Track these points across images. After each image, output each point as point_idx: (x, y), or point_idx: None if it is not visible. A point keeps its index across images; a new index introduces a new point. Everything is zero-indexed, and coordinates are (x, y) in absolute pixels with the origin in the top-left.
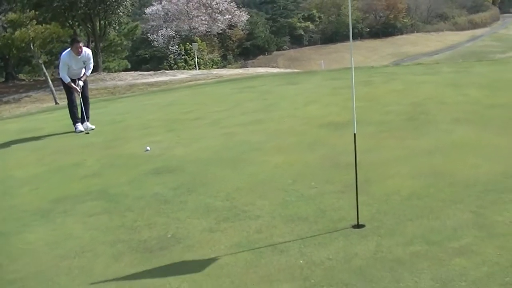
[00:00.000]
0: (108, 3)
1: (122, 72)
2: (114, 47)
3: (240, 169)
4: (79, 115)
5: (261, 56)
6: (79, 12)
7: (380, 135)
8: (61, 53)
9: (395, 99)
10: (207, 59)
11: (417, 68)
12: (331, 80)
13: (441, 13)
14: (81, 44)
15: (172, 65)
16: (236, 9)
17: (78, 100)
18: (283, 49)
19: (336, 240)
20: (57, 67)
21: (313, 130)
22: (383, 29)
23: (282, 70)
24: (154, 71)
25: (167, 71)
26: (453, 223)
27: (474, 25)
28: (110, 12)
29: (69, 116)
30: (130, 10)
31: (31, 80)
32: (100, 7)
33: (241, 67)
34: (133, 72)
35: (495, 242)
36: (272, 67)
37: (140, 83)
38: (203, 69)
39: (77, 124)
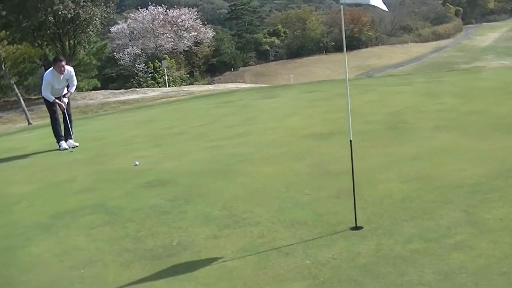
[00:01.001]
0: (77, 22)
1: (93, 91)
2: (83, 66)
3: (233, 180)
4: (63, 133)
5: (228, 72)
6: (48, 32)
7: (364, 143)
8: (44, 73)
9: (373, 109)
10: (176, 76)
11: (390, 79)
12: (307, 93)
13: (405, 25)
14: (63, 63)
15: (141, 83)
16: (201, 26)
17: (61, 118)
18: (249, 65)
19: (337, 241)
20: (26, 87)
21: (298, 141)
22: (348, 43)
23: (252, 85)
24: (125, 89)
25: (137, 89)
26: (447, 222)
27: (438, 37)
28: (80, 31)
29: (52, 134)
30: (100, 28)
31: (0, 101)
32: (69, 27)
33: (208, 84)
34: (103, 91)
35: (488, 237)
36: (239, 83)
37: (111, 102)
38: (172, 86)
39: (61, 142)
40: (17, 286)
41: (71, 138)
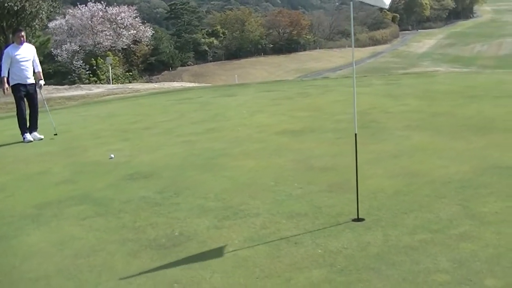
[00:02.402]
0: (22, 15)
1: None
2: None
3: (217, 173)
4: (28, 125)
5: (166, 71)
6: None
7: (340, 141)
8: (5, 48)
9: (340, 109)
10: (119, 73)
11: (346, 80)
12: (266, 92)
13: (342, 30)
14: (23, 33)
15: (83, 79)
16: (140, 24)
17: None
18: (188, 65)
19: (343, 232)
20: None
21: (272, 137)
22: (287, 45)
23: (199, 84)
24: (68, 85)
25: (82, 86)
26: (446, 215)
27: (375, 42)
28: (25, 25)
29: (15, 125)
30: (46, 23)
31: None
32: (13, 20)
33: (146, 83)
34: (46, 86)
35: (490, 229)
36: (178, 82)
37: (56, 97)
38: (116, 84)
39: (25, 134)
40: (22, 274)
41: (35, 131)
